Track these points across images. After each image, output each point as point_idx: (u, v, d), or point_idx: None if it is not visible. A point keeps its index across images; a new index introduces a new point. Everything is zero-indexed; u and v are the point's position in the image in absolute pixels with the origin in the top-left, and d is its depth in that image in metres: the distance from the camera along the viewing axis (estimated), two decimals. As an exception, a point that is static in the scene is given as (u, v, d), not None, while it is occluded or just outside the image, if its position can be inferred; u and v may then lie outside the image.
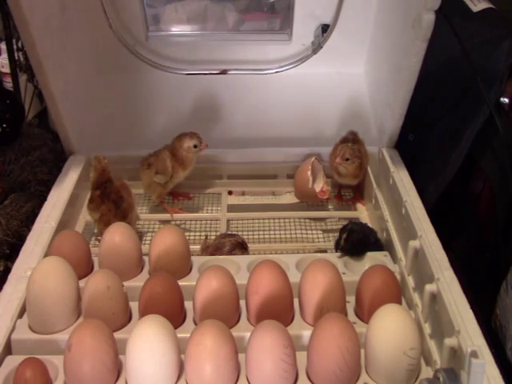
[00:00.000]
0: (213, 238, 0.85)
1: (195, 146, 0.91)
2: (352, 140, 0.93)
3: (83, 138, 1.00)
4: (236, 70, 1.13)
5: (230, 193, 1.00)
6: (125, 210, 0.84)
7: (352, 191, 1.00)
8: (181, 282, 0.70)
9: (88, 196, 0.88)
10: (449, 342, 0.58)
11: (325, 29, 1.09)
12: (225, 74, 1.12)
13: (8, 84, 1.30)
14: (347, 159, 0.90)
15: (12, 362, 0.61)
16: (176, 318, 0.66)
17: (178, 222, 0.94)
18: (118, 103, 1.12)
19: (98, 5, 1.04)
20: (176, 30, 1.14)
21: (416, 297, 0.71)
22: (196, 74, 1.13)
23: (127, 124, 1.09)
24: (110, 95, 1.13)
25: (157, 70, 1.12)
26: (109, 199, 0.84)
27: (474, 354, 0.51)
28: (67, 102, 0.94)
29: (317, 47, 1.10)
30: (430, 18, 0.78)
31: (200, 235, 0.91)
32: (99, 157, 0.86)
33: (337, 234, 0.84)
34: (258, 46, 1.15)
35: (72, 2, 0.98)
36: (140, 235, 0.89)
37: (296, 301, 0.69)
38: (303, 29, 1.12)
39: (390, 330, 0.58)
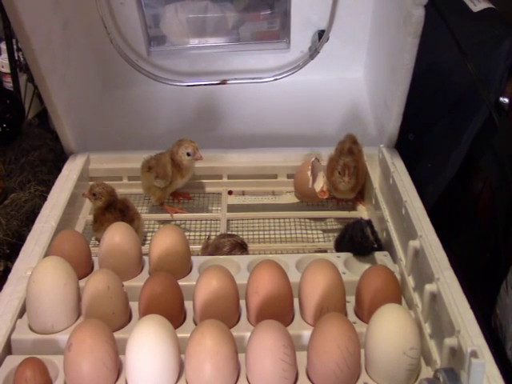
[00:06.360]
0: (213, 238, 0.85)
1: (188, 154, 0.90)
2: (347, 150, 0.91)
3: (83, 139, 1.00)
4: (235, 79, 1.13)
5: (229, 193, 1.00)
6: (131, 217, 0.84)
7: (352, 191, 0.99)
8: (181, 282, 0.70)
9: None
10: (449, 341, 0.58)
11: (321, 35, 1.10)
12: (224, 84, 1.13)
13: (8, 84, 1.30)
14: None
15: (12, 361, 0.61)
16: (176, 317, 0.66)
17: (178, 222, 0.94)
18: (119, 113, 1.13)
19: (99, 21, 1.05)
20: (175, 31, 1.15)
21: (416, 297, 0.71)
22: (196, 86, 1.14)
23: (128, 130, 1.09)
24: (111, 107, 1.14)
25: (158, 82, 1.13)
26: (115, 209, 0.84)
27: (474, 354, 0.51)
28: (70, 115, 0.95)
29: (313, 52, 1.10)
30: (419, 14, 0.78)
31: (200, 235, 0.91)
32: (105, 186, 0.85)
33: (336, 234, 0.84)
34: (257, 55, 1.15)
35: (74, 19, 0.99)
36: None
37: (296, 301, 0.69)
38: (301, 36, 1.12)
39: (390, 330, 0.58)
